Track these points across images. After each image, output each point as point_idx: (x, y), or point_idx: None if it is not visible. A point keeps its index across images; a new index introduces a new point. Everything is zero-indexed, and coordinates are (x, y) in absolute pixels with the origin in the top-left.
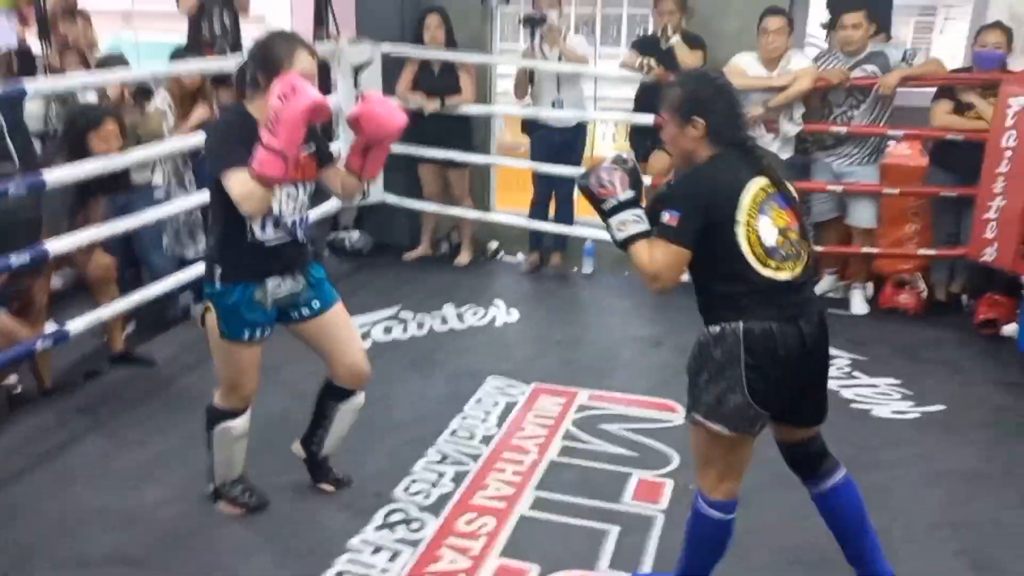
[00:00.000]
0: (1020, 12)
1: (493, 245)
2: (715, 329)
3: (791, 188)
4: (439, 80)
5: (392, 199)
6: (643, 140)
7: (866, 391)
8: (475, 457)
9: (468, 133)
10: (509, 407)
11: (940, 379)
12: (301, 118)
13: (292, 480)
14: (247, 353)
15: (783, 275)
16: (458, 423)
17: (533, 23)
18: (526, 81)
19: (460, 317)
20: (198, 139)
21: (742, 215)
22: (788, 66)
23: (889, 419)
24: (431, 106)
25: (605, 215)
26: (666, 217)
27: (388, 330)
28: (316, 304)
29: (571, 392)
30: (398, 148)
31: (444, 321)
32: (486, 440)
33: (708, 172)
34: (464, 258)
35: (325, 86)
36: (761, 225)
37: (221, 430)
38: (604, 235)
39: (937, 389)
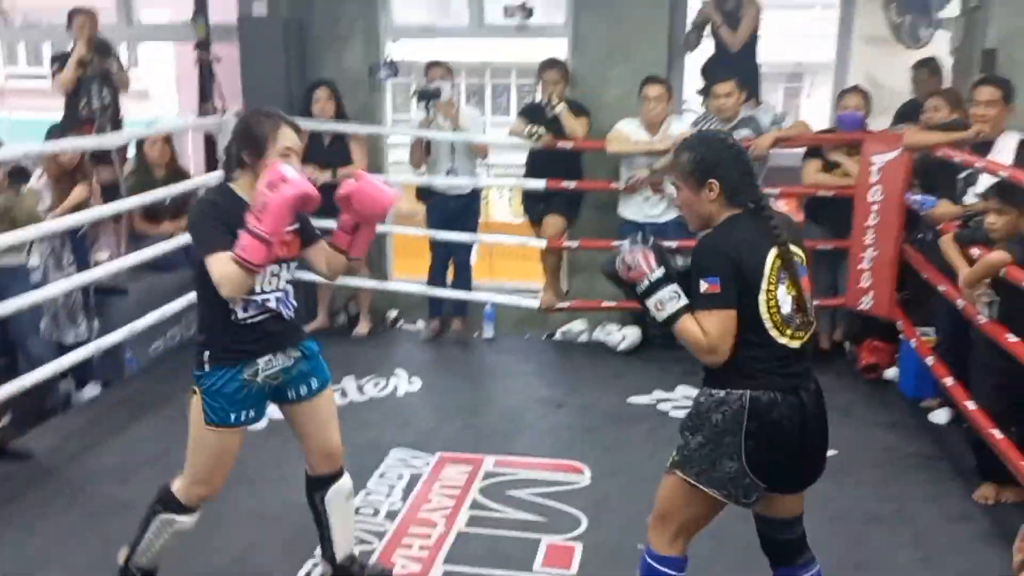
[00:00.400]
0: (876, 76)
1: (392, 314)
2: (719, 393)
3: (803, 254)
4: (330, 152)
5: None
6: (535, 205)
7: None
8: (380, 535)
9: None
10: (414, 479)
11: (831, 424)
12: (289, 207)
13: None
14: (229, 439)
15: (795, 344)
16: (361, 500)
17: (428, 96)
18: (421, 151)
19: (361, 389)
20: (76, 219)
21: (764, 282)
22: (669, 130)
23: None
24: (321, 177)
25: (640, 298)
26: (704, 287)
27: None
28: (314, 384)
29: (477, 459)
30: None
31: (344, 395)
32: (391, 516)
33: (733, 236)
34: (363, 328)
35: (213, 161)
36: (780, 292)
37: (165, 519)
38: (503, 299)
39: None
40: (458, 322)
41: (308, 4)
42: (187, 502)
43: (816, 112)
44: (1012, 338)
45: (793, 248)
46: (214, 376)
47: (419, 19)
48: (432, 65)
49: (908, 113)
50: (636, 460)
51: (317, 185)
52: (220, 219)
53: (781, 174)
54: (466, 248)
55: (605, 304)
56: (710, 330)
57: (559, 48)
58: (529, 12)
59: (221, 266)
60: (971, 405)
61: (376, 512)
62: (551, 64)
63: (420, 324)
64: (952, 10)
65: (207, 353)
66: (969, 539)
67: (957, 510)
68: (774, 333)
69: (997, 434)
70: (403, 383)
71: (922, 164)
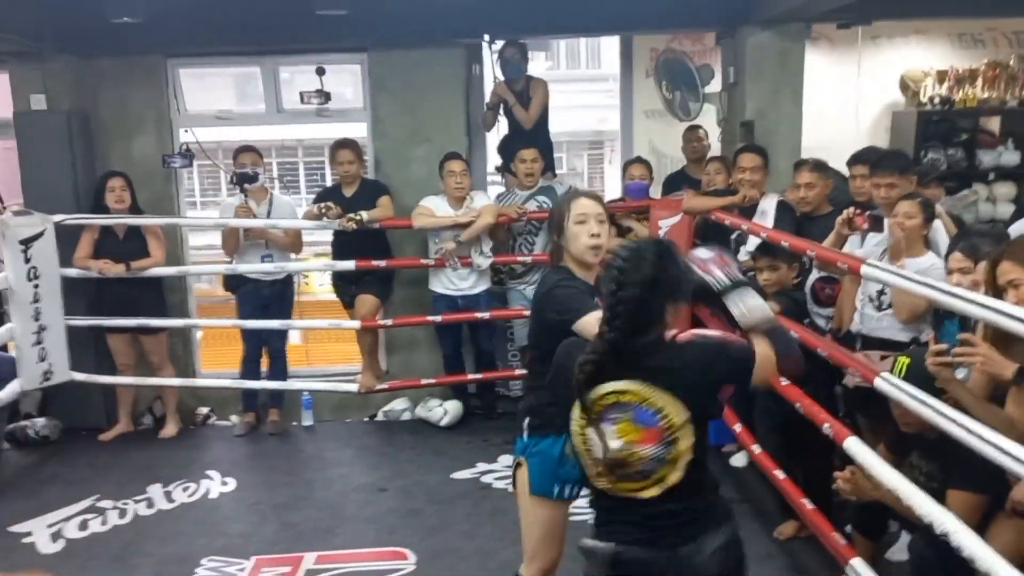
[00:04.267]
0: (658, 146)
1: (203, 411)
2: (587, 543)
3: (667, 400)
4: (125, 245)
5: (81, 376)
6: (347, 287)
7: (582, 501)
8: None
9: (160, 296)
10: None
11: None
12: None
13: None
14: (553, 513)
15: (623, 493)
16: None
17: (245, 179)
18: (237, 238)
19: (169, 496)
20: None
21: (575, 419)
22: (472, 204)
23: None
24: (114, 269)
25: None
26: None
27: (84, 525)
28: None
29: (296, 558)
30: (83, 321)
31: (150, 504)
32: None
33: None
34: (170, 429)
35: None
36: (594, 433)
37: None
38: (321, 386)
39: None
40: (275, 413)
41: (93, 95)
42: None
43: (617, 177)
44: (784, 382)
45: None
46: (535, 444)
47: (214, 105)
48: (242, 151)
49: (675, 180)
50: (459, 539)
51: (108, 276)
52: (579, 289)
53: None
54: (280, 335)
55: (425, 381)
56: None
57: (362, 131)
58: (327, 97)
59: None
60: (757, 449)
61: None
62: (343, 144)
63: (234, 419)
64: (716, 86)
65: (528, 422)
66: None
67: (761, 550)
68: (592, 475)
69: (780, 474)
70: (216, 485)
71: (701, 226)
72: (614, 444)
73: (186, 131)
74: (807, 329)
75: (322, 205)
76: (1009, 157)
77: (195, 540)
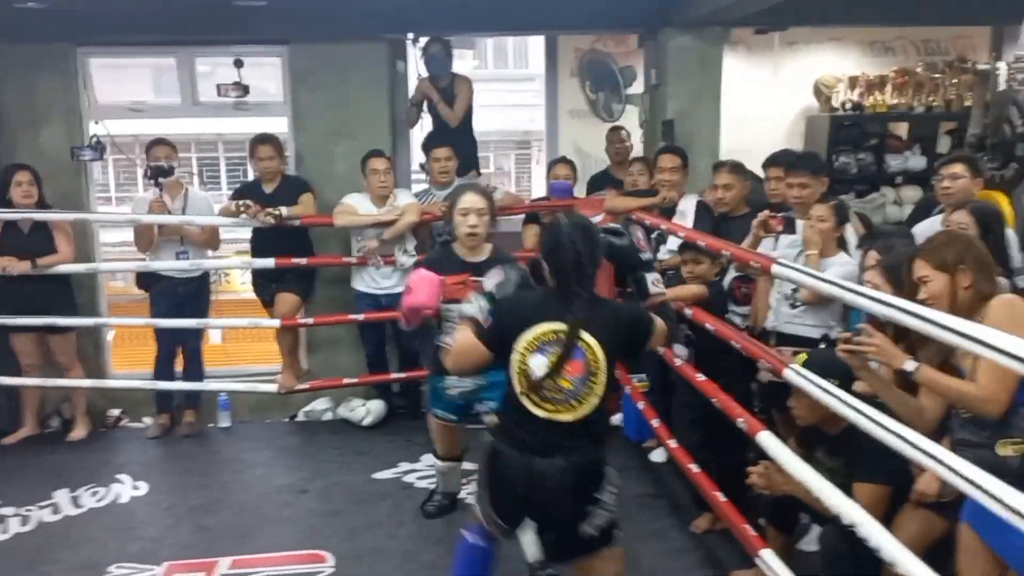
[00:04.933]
0: (582, 146)
1: (114, 413)
2: (486, 440)
3: (593, 343)
4: (30, 240)
5: None
6: (267, 285)
7: None
8: None
9: (69, 294)
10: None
11: None
12: None
13: None
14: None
15: (542, 414)
16: None
17: (160, 173)
18: (152, 234)
19: (76, 502)
20: None
21: (520, 346)
22: (395, 202)
23: None
24: (18, 267)
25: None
26: (482, 319)
27: None
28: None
29: (210, 563)
30: None
31: (56, 510)
32: None
33: (520, 297)
34: (80, 432)
35: None
36: (534, 361)
37: None
38: (239, 386)
39: None
40: (190, 414)
41: None
42: None
43: (544, 177)
44: (701, 377)
45: (584, 334)
46: None
47: (128, 97)
48: (156, 144)
49: (598, 181)
50: (380, 539)
51: (14, 274)
52: None
53: (504, 238)
54: (196, 335)
55: (347, 380)
56: (457, 339)
57: (283, 126)
58: (245, 90)
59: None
60: (673, 443)
61: None
62: (263, 139)
63: (147, 421)
64: (638, 88)
65: None
66: (686, 570)
67: (676, 544)
68: (520, 394)
69: (694, 468)
70: (126, 489)
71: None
72: (547, 370)
73: (97, 123)
74: (724, 323)
75: (239, 203)
76: (916, 161)
77: (105, 546)
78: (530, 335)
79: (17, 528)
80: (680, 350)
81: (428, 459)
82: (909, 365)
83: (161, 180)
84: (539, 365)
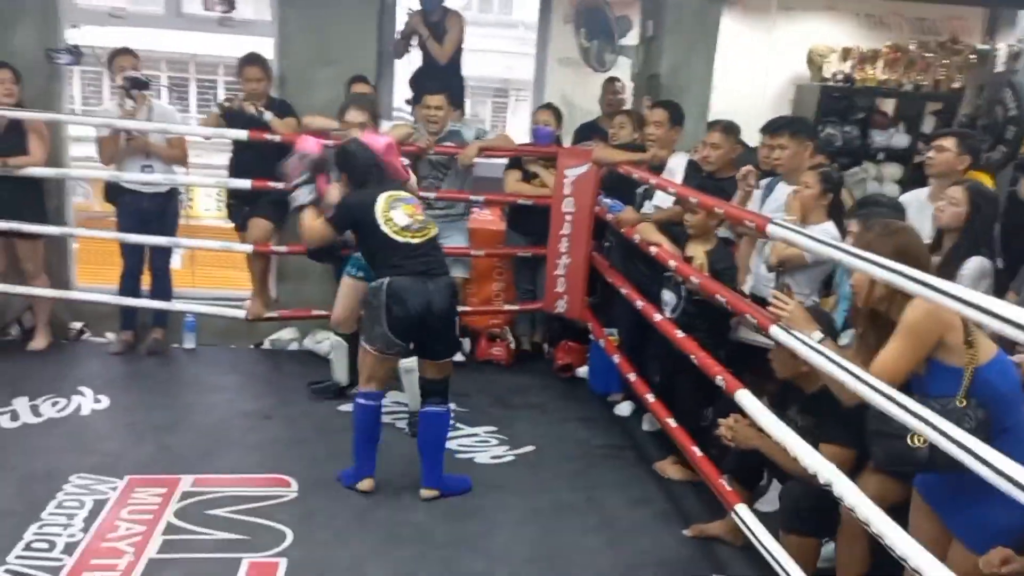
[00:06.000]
0: (570, 96)
1: (76, 326)
2: (374, 284)
3: (413, 192)
4: (2, 140)
5: None
6: (240, 208)
7: (468, 440)
8: (56, 571)
9: (40, 200)
10: (99, 506)
11: (530, 422)
12: None
13: None
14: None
15: (417, 240)
16: (33, 534)
17: (136, 85)
18: (116, 145)
19: (35, 410)
20: None
21: (379, 212)
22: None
23: (488, 464)
24: None
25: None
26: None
27: None
28: None
29: (172, 480)
30: None
31: (15, 417)
32: (69, 549)
33: (357, 195)
34: (40, 342)
35: None
36: (395, 214)
37: None
38: (206, 308)
39: (527, 431)
40: (157, 333)
41: None
42: None
43: (520, 127)
44: (680, 334)
45: (402, 192)
46: None
47: (105, 2)
48: (120, 53)
49: (586, 131)
50: (344, 469)
51: None
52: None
53: (487, 184)
54: (164, 252)
55: (315, 312)
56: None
57: (266, 47)
58: (231, 4)
59: None
60: (651, 397)
61: (51, 546)
62: (251, 60)
63: (110, 336)
64: (632, 39)
65: None
66: (648, 519)
67: (639, 494)
68: (397, 237)
69: (672, 422)
70: (88, 402)
71: (607, 178)
72: (406, 214)
73: (74, 26)
74: (710, 279)
75: (224, 100)
76: (899, 139)
77: (63, 456)
78: (381, 204)
79: None
80: (668, 297)
81: (394, 395)
82: (815, 336)
83: (135, 92)
84: (400, 215)
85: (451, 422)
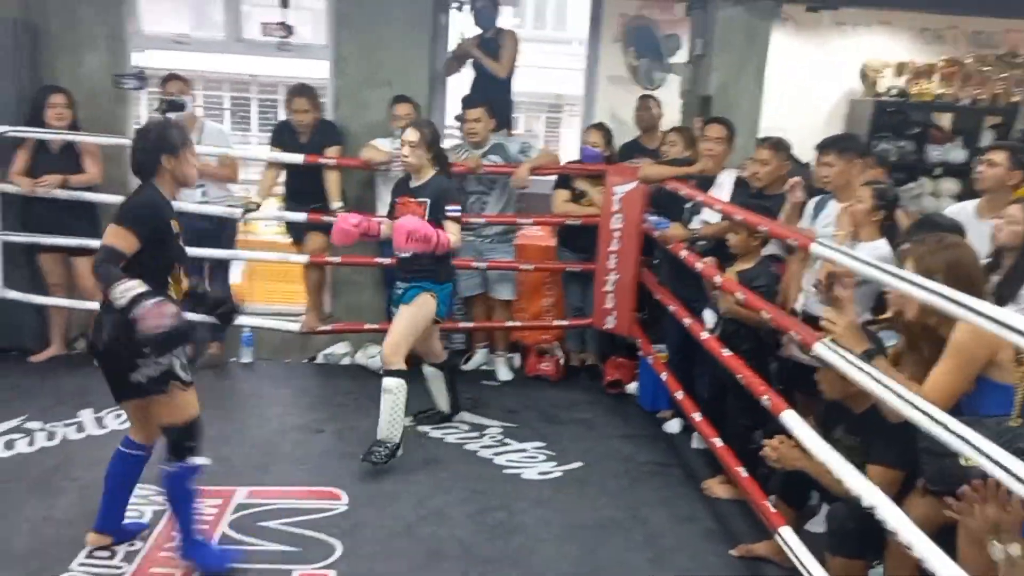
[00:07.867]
0: (619, 113)
1: None
2: None
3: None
4: (59, 162)
5: (14, 295)
6: (298, 224)
7: (516, 456)
8: None
9: (95, 220)
10: (157, 516)
11: (577, 438)
12: None
13: None
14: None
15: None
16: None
17: (173, 107)
18: None
19: (100, 422)
20: None
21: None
22: None
23: (535, 480)
24: (51, 179)
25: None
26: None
27: (10, 444)
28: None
29: (228, 491)
30: (20, 237)
31: (81, 429)
32: (129, 557)
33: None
34: None
35: None
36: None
37: None
38: (262, 322)
39: (575, 447)
40: (214, 347)
41: (41, 5)
42: None
43: (572, 142)
44: (727, 352)
45: None
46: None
47: (170, 28)
48: (171, 78)
49: (629, 150)
50: (393, 484)
51: (40, 196)
52: None
53: (534, 199)
54: (223, 268)
55: (368, 326)
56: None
57: (321, 69)
58: (289, 30)
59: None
60: (698, 416)
61: (113, 554)
62: (299, 91)
63: None
64: (682, 57)
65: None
66: (694, 538)
67: (685, 512)
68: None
69: (718, 442)
70: None
71: (656, 194)
72: None
73: (141, 52)
74: (755, 294)
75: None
76: (956, 154)
77: None
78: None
79: (43, 442)
80: (709, 315)
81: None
82: (862, 353)
83: (173, 115)
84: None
85: (194, 484)
